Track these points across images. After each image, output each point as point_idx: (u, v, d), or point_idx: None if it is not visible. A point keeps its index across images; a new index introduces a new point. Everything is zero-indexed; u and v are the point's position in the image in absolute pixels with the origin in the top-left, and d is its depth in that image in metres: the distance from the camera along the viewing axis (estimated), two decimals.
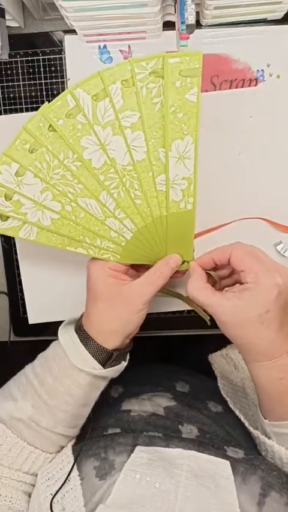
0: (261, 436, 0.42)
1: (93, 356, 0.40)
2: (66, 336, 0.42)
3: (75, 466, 0.38)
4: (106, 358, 0.41)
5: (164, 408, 0.48)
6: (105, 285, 0.41)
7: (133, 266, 0.45)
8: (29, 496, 0.39)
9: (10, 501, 0.38)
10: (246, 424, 0.45)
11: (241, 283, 0.39)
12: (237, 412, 0.47)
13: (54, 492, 0.36)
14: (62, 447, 0.43)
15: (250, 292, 0.37)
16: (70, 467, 0.38)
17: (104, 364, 0.41)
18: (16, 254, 0.55)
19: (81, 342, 0.41)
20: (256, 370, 0.40)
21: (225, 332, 0.39)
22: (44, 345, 0.44)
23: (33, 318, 0.56)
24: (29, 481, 0.40)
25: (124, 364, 0.44)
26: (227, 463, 0.38)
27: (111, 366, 0.42)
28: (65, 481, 0.36)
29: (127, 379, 0.51)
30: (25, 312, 0.56)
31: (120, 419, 0.46)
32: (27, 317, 0.55)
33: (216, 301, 0.38)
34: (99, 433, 0.43)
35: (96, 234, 0.42)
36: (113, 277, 0.41)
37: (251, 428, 0.44)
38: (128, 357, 0.45)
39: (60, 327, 0.43)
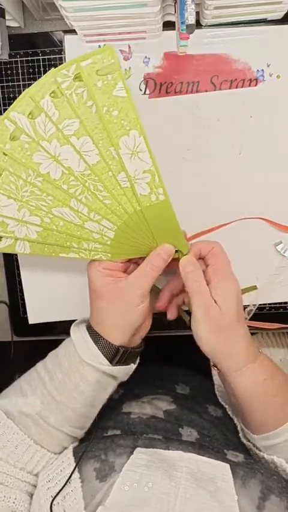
0: (253, 448, 0.43)
1: (102, 352, 0.41)
2: (78, 333, 0.43)
3: (75, 468, 0.38)
4: (113, 354, 0.42)
5: (164, 411, 0.48)
6: (102, 284, 0.42)
7: (133, 261, 0.45)
8: (31, 497, 0.39)
9: (14, 502, 0.38)
10: (241, 435, 0.46)
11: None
12: (235, 420, 0.47)
13: (55, 494, 0.36)
14: (65, 448, 0.43)
15: (223, 291, 0.40)
16: (71, 469, 0.38)
17: (112, 359, 0.41)
18: (16, 254, 0.55)
19: (92, 338, 0.42)
20: (241, 378, 0.41)
21: (208, 339, 0.41)
22: (44, 345, 0.45)
23: (33, 318, 0.56)
24: (32, 482, 0.40)
25: (133, 366, 0.45)
26: (227, 466, 0.38)
27: (119, 364, 0.42)
28: (65, 483, 0.36)
29: (127, 380, 0.51)
30: (25, 312, 0.56)
31: (120, 421, 0.46)
32: (27, 317, 0.55)
33: (210, 300, 0.40)
34: (99, 435, 0.44)
35: (80, 238, 0.43)
36: (109, 276, 0.42)
37: (243, 440, 0.45)
38: (138, 360, 0.45)
39: (73, 324, 0.44)
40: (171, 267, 0.43)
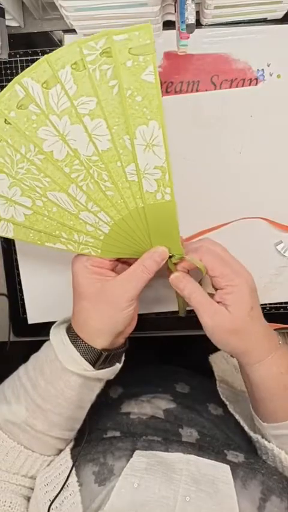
0: (261, 439, 0.42)
1: (83, 356, 0.39)
2: (58, 337, 0.41)
3: (73, 472, 0.37)
4: (95, 357, 0.40)
5: (163, 411, 0.48)
6: (88, 283, 0.39)
7: (122, 261, 0.43)
8: (29, 500, 0.39)
9: (9, 506, 0.37)
10: (246, 428, 0.45)
11: (216, 289, 0.40)
12: (236, 416, 0.47)
13: (53, 498, 0.35)
14: (60, 450, 0.42)
15: (232, 296, 0.38)
16: (68, 472, 0.37)
17: (94, 364, 0.40)
18: (16, 254, 0.54)
19: (71, 341, 0.40)
20: (257, 371, 0.40)
21: (223, 341, 0.40)
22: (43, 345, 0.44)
23: (32, 317, 0.55)
24: (28, 485, 0.40)
25: (118, 366, 0.43)
26: (227, 467, 0.37)
27: (103, 367, 0.41)
28: (62, 487, 0.36)
29: (126, 379, 0.50)
30: (25, 312, 0.56)
31: (119, 422, 0.46)
32: (26, 317, 0.55)
33: (216, 308, 0.39)
34: (99, 436, 0.43)
35: (72, 228, 0.40)
36: (96, 274, 0.40)
37: (250, 432, 0.44)
38: (122, 359, 0.44)
39: (53, 326, 0.42)
40: (162, 271, 0.41)
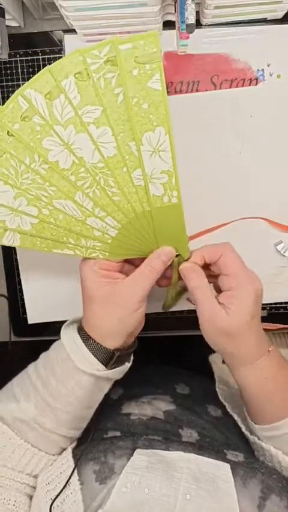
0: (258, 440, 0.42)
1: (95, 356, 0.40)
2: (69, 337, 0.41)
3: (75, 471, 0.38)
4: (108, 358, 0.40)
5: (163, 412, 0.48)
6: (97, 286, 0.40)
7: (128, 261, 0.43)
8: (31, 499, 0.39)
9: (14, 504, 0.37)
10: (243, 429, 0.45)
11: (220, 291, 0.40)
12: (235, 417, 0.47)
13: (54, 497, 0.36)
14: (64, 449, 0.43)
15: (237, 300, 0.38)
16: (70, 471, 0.37)
17: (106, 364, 0.40)
18: (16, 254, 0.54)
19: (85, 343, 0.40)
20: (241, 373, 0.40)
21: (214, 339, 0.40)
22: (43, 345, 0.44)
23: (32, 318, 0.55)
24: (31, 484, 0.40)
25: (128, 365, 0.43)
26: (227, 466, 0.38)
27: (114, 367, 0.41)
28: (65, 486, 0.36)
29: (127, 380, 0.50)
30: (25, 312, 0.56)
31: (120, 422, 0.46)
32: (26, 317, 0.55)
33: (216, 308, 0.39)
34: (99, 436, 0.43)
35: (79, 234, 0.40)
36: (104, 278, 0.40)
37: (247, 433, 0.44)
38: (132, 358, 0.45)
39: (63, 326, 0.43)
40: (168, 271, 0.42)
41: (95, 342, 0.40)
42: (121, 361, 0.42)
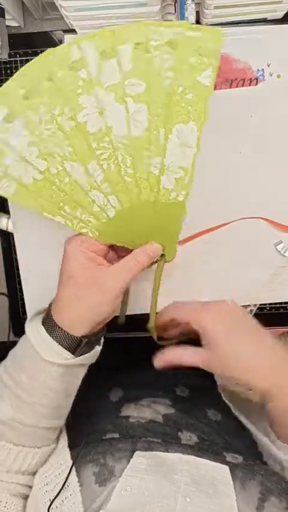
0: (273, 448, 0.42)
1: (61, 344, 0.38)
2: (33, 329, 0.40)
3: (74, 472, 0.37)
4: (75, 345, 0.39)
5: (162, 416, 0.47)
6: (79, 267, 0.39)
7: (113, 249, 0.43)
8: (25, 498, 0.39)
9: (5, 506, 0.37)
10: (252, 429, 0.45)
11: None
12: (242, 418, 0.47)
13: (53, 498, 0.35)
14: (50, 439, 0.42)
15: (203, 332, 0.40)
16: (68, 472, 0.37)
17: (74, 351, 0.39)
18: (16, 254, 0.54)
19: (47, 331, 0.39)
20: (278, 406, 0.39)
21: (229, 378, 0.41)
22: None
23: (26, 322, 0.55)
24: (22, 482, 0.39)
25: (98, 348, 0.42)
26: (226, 468, 0.37)
27: (83, 353, 0.40)
28: (62, 487, 0.36)
29: (127, 381, 0.50)
30: (25, 312, 0.56)
31: (118, 424, 0.46)
32: (26, 317, 0.55)
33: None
34: (98, 437, 0.43)
35: (77, 203, 0.38)
36: (89, 260, 0.39)
37: (258, 434, 0.44)
38: (102, 341, 0.43)
39: (27, 320, 0.41)
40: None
41: (61, 329, 0.39)
42: (91, 346, 0.41)
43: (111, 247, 0.42)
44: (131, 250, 0.40)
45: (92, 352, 0.41)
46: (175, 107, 0.35)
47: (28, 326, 0.40)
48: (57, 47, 0.35)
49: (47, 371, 0.39)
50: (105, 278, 0.38)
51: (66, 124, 0.36)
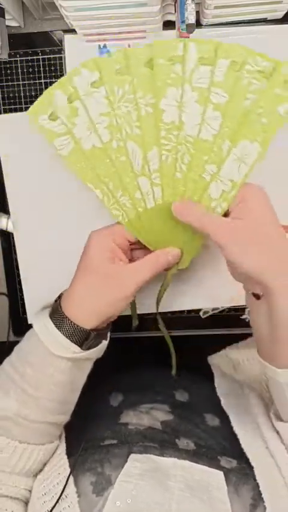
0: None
1: (69, 338, 0.38)
2: (40, 323, 0.40)
3: (72, 482, 0.37)
4: (83, 338, 0.39)
5: (161, 422, 0.47)
6: (102, 258, 0.39)
7: (133, 248, 0.43)
8: (26, 503, 0.39)
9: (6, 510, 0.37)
10: (271, 414, 0.44)
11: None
12: (227, 411, 0.47)
13: (50, 509, 0.35)
14: (54, 436, 0.42)
15: (248, 204, 0.38)
16: (65, 482, 0.37)
17: (82, 344, 0.39)
18: (16, 254, 0.54)
19: (56, 325, 0.39)
20: (285, 296, 0.36)
21: (243, 259, 0.36)
22: None
23: (32, 317, 0.55)
24: (24, 485, 0.39)
25: (105, 343, 0.42)
26: (221, 474, 0.37)
27: (90, 347, 0.40)
28: (58, 499, 0.35)
29: (127, 385, 0.50)
30: (24, 312, 0.56)
31: (117, 431, 0.45)
32: (26, 317, 0.55)
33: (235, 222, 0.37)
34: (96, 444, 0.43)
35: (122, 184, 0.40)
36: (112, 252, 0.39)
37: (273, 419, 0.43)
38: (108, 335, 0.43)
39: (33, 315, 0.41)
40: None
41: (70, 322, 0.39)
42: (98, 340, 0.41)
43: (132, 244, 0.42)
44: (145, 254, 0.41)
45: (99, 346, 0.41)
46: (248, 125, 0.38)
47: (35, 321, 0.40)
48: (167, 40, 0.38)
49: (55, 365, 0.39)
50: (126, 273, 0.38)
51: (144, 108, 0.38)
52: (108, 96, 0.39)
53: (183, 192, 0.39)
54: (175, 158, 0.39)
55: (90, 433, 0.45)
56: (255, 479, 0.37)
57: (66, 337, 0.38)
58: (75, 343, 0.39)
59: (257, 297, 0.39)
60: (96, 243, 0.39)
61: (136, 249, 0.43)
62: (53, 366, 0.39)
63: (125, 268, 0.39)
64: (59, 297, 0.43)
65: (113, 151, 0.39)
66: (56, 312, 0.40)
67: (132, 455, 0.38)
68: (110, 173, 0.40)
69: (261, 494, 0.35)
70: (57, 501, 0.35)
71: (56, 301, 0.42)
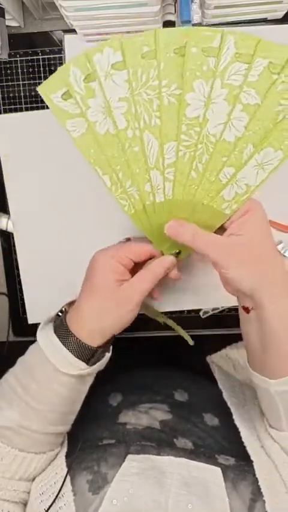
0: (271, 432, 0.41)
1: (75, 355, 0.39)
2: (46, 339, 0.40)
3: (69, 481, 0.37)
4: (90, 355, 0.40)
5: (159, 422, 0.47)
6: (108, 281, 0.39)
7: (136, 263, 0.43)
8: (25, 504, 0.39)
9: None
10: (266, 424, 0.44)
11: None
12: (228, 403, 0.47)
13: (47, 508, 0.35)
14: (55, 444, 0.42)
15: (247, 221, 0.38)
16: (63, 481, 0.37)
17: (88, 361, 0.40)
18: (16, 254, 0.54)
19: (61, 340, 0.39)
20: (279, 308, 0.38)
21: (240, 275, 0.37)
22: None
23: (32, 317, 0.55)
24: (23, 489, 0.39)
25: (108, 355, 0.42)
26: (218, 469, 0.37)
27: (95, 362, 0.40)
28: (56, 497, 0.36)
29: (126, 386, 0.50)
30: (24, 312, 0.56)
31: (115, 431, 0.46)
32: (26, 317, 0.55)
33: (231, 239, 0.38)
34: (94, 444, 0.43)
35: (133, 175, 0.38)
36: (118, 274, 0.40)
37: (268, 429, 0.43)
38: (111, 347, 0.44)
39: (38, 329, 0.42)
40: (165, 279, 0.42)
41: (76, 340, 0.39)
42: (102, 353, 0.41)
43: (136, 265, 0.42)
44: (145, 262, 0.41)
45: (103, 359, 0.41)
46: (276, 132, 0.36)
47: (40, 335, 0.41)
48: (204, 28, 0.35)
49: (60, 380, 0.39)
50: (129, 288, 0.39)
51: (167, 98, 0.36)
52: (130, 80, 0.36)
53: (195, 190, 0.38)
54: (193, 156, 0.37)
55: (88, 433, 0.45)
56: (253, 475, 0.37)
57: (73, 354, 0.39)
58: (81, 359, 0.39)
59: (247, 310, 0.40)
60: (103, 266, 0.40)
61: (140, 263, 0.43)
62: (57, 382, 0.39)
63: (127, 285, 0.39)
64: (61, 311, 0.43)
65: (127, 139, 0.37)
66: (61, 328, 0.40)
67: (129, 456, 0.38)
68: (121, 162, 0.38)
69: (260, 489, 0.35)
70: (54, 500, 0.35)
71: (58, 315, 0.43)
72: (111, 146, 0.37)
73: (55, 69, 0.50)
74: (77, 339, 0.39)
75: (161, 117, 0.36)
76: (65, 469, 0.39)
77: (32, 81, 0.51)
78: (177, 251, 0.42)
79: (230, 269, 0.37)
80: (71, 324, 0.40)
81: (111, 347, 0.44)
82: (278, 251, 0.39)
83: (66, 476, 0.37)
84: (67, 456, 0.41)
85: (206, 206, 0.38)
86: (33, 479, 0.41)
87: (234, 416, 0.45)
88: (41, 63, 0.50)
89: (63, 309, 0.44)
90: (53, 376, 0.39)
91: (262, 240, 0.38)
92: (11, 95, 0.51)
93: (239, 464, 0.39)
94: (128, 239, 0.47)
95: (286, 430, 0.41)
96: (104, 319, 0.39)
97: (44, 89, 0.38)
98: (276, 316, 0.38)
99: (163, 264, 0.40)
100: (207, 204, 0.38)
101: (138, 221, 0.40)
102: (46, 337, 0.40)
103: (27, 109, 0.52)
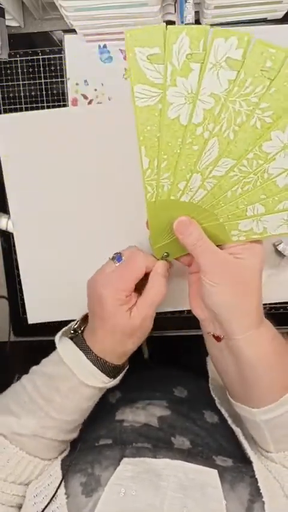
0: (263, 451, 0.42)
1: (104, 372, 0.41)
2: (69, 352, 0.41)
3: (62, 484, 0.37)
4: (116, 371, 0.42)
5: (158, 418, 0.47)
6: (114, 312, 0.39)
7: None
8: (20, 508, 0.39)
9: None
10: (229, 421, 0.45)
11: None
12: (223, 411, 0.47)
13: (41, 510, 0.35)
14: (60, 451, 0.43)
15: (247, 249, 0.38)
16: (58, 483, 0.37)
17: (114, 375, 0.42)
18: (16, 254, 0.54)
19: (89, 359, 0.40)
20: (251, 340, 0.38)
21: (225, 298, 0.37)
22: (43, 345, 0.44)
23: (32, 318, 0.55)
24: (21, 493, 0.39)
25: (126, 367, 0.44)
26: (215, 472, 0.37)
27: (116, 376, 0.43)
28: (51, 500, 0.36)
29: (126, 383, 0.50)
30: (25, 312, 0.56)
31: (113, 429, 0.46)
32: (26, 317, 0.55)
33: (226, 257, 0.38)
34: (90, 445, 0.43)
35: (175, 168, 0.36)
36: (124, 305, 0.40)
37: (258, 447, 0.43)
38: (127, 360, 0.45)
39: (57, 342, 0.42)
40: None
41: (100, 359, 0.41)
42: (122, 367, 0.44)
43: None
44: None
45: (123, 371, 0.43)
46: None
47: (63, 349, 0.41)
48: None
49: (82, 393, 0.41)
50: (136, 320, 0.40)
51: (255, 119, 0.33)
52: (234, 83, 0.32)
53: (220, 206, 0.37)
54: (240, 181, 0.36)
55: (87, 432, 0.45)
56: (250, 477, 0.37)
57: (104, 372, 0.41)
58: (104, 373, 0.41)
59: (217, 339, 0.41)
60: (108, 298, 0.39)
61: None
62: (80, 394, 0.41)
63: (134, 314, 0.40)
64: (75, 330, 0.44)
65: (193, 136, 0.34)
66: (82, 344, 0.42)
67: (125, 459, 0.38)
68: (171, 153, 0.35)
69: (258, 489, 0.35)
70: (48, 503, 0.35)
71: (76, 331, 0.44)
72: (172, 134, 0.34)
73: (55, 69, 0.50)
74: (100, 358, 0.41)
75: (238, 134, 0.34)
76: (59, 471, 0.39)
77: (32, 81, 0.51)
78: (166, 253, 0.41)
79: (216, 282, 0.37)
80: (93, 346, 0.41)
81: (127, 359, 0.45)
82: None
83: (62, 479, 0.37)
84: (63, 458, 0.42)
85: (219, 224, 0.38)
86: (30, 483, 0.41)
87: (229, 422, 0.46)
88: (41, 63, 0.50)
89: (78, 323, 0.44)
90: (78, 389, 0.40)
91: (255, 273, 0.38)
92: (11, 95, 0.51)
93: (236, 465, 0.39)
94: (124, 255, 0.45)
95: (274, 452, 0.41)
96: (124, 345, 0.41)
97: (132, 36, 0.32)
98: (250, 347, 0.39)
99: (161, 272, 0.41)
100: (221, 223, 0.38)
101: (152, 210, 0.39)
102: (70, 351, 0.41)
103: (27, 109, 0.52)
